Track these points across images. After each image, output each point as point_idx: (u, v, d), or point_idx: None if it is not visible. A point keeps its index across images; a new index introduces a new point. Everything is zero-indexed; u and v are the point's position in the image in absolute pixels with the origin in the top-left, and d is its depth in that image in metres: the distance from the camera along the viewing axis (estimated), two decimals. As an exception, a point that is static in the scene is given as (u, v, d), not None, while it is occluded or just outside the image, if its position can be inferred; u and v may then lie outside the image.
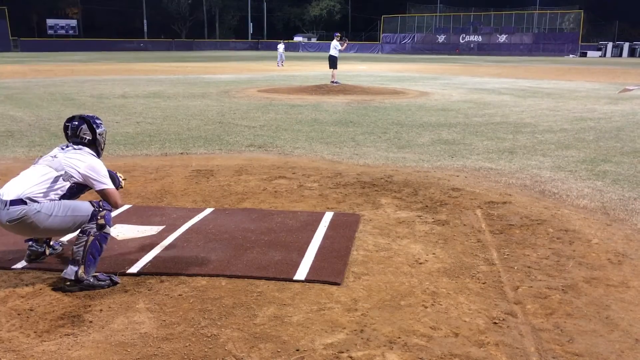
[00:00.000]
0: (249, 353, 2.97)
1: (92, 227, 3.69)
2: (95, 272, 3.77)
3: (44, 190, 3.65)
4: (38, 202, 3.59)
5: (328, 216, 5.29)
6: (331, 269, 4.03)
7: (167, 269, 4.01)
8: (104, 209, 3.75)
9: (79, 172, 3.75)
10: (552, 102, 15.71)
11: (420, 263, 4.22)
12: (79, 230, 3.73)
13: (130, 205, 5.61)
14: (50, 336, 3.13)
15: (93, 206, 3.74)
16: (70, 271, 3.66)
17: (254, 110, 13.42)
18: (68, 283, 3.67)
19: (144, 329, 3.20)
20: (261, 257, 4.25)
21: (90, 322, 3.29)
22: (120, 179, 4.24)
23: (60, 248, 4.34)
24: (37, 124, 11.08)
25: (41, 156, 3.95)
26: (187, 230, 4.87)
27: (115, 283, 3.78)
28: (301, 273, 3.96)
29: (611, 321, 3.37)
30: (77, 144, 3.91)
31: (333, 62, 20.75)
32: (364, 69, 33.22)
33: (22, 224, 3.59)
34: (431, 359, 2.93)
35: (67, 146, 3.90)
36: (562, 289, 3.78)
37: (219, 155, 8.35)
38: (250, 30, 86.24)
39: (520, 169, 7.53)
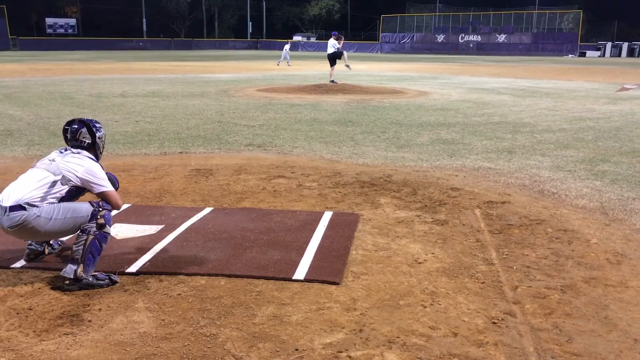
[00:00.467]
0: (248, 352, 2.97)
1: (92, 227, 3.69)
2: (95, 272, 3.77)
3: (42, 194, 3.65)
4: (37, 207, 3.60)
5: (327, 216, 5.29)
6: (330, 269, 4.03)
7: (166, 269, 4.01)
8: (103, 209, 3.76)
9: (77, 176, 3.75)
10: (551, 102, 15.72)
11: (419, 263, 4.22)
12: (79, 230, 3.74)
13: (129, 205, 5.61)
14: (49, 335, 3.13)
15: (92, 206, 3.75)
16: (69, 270, 3.66)
17: (253, 110, 13.42)
18: (67, 282, 3.67)
19: (143, 329, 3.20)
20: (260, 257, 4.25)
21: (89, 321, 3.29)
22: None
23: (59, 247, 4.34)
24: (36, 123, 11.07)
25: (39, 159, 3.95)
26: (186, 229, 4.86)
27: (114, 282, 3.78)
28: (300, 273, 3.96)
29: (610, 321, 3.37)
30: (76, 147, 3.91)
31: (333, 60, 20.73)
32: (363, 69, 33.21)
33: (23, 229, 3.60)
34: (430, 359, 2.93)
35: (66, 150, 3.90)
36: (561, 289, 3.79)
37: (218, 154, 8.35)
38: (250, 30, 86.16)
39: (519, 168, 7.54)
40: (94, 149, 3.98)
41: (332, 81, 19.51)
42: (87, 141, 3.93)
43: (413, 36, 73.58)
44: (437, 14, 74.29)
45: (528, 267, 4.16)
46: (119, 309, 3.44)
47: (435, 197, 6.00)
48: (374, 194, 6.12)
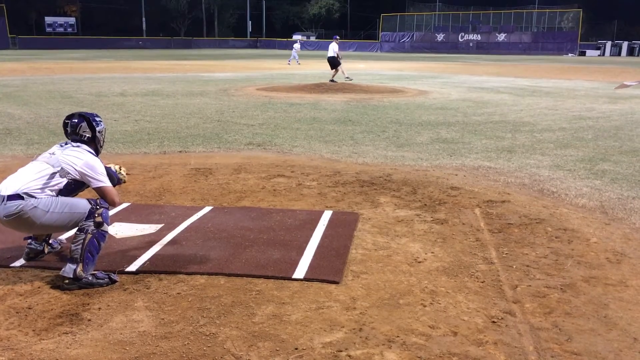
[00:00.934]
0: (247, 352, 2.97)
1: (90, 225, 3.69)
2: (94, 271, 3.77)
3: (41, 185, 3.67)
4: (35, 198, 3.60)
5: (327, 215, 5.29)
6: (330, 268, 4.03)
7: (166, 268, 4.00)
8: (101, 207, 3.75)
9: (75, 169, 3.75)
10: (551, 101, 15.72)
11: (419, 262, 4.22)
12: (77, 228, 3.73)
13: (129, 204, 5.61)
14: (49, 334, 3.13)
15: (90, 204, 3.75)
16: (68, 269, 3.66)
17: (252, 109, 13.41)
18: (67, 281, 3.67)
19: (142, 328, 3.20)
20: (260, 256, 4.24)
21: (89, 320, 3.29)
22: (123, 173, 4.24)
23: (59, 246, 4.34)
24: (35, 122, 11.06)
25: (40, 153, 3.95)
26: (185, 228, 4.86)
27: (113, 281, 3.78)
28: (300, 272, 3.95)
29: (610, 320, 3.37)
30: (77, 141, 3.91)
31: (332, 65, 20.71)
32: (363, 68, 33.19)
33: (19, 219, 3.60)
34: (430, 358, 2.93)
35: (66, 143, 3.90)
36: (561, 288, 3.79)
37: (218, 153, 8.35)
38: (249, 29, 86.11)
39: (519, 167, 7.54)
40: (94, 143, 3.98)
41: (332, 80, 19.48)
42: (87, 135, 3.93)
43: (413, 35, 73.55)
44: (437, 13, 74.25)
45: (528, 266, 4.16)
46: (119, 308, 3.44)
47: (435, 196, 6.00)
48: (374, 193, 6.12)
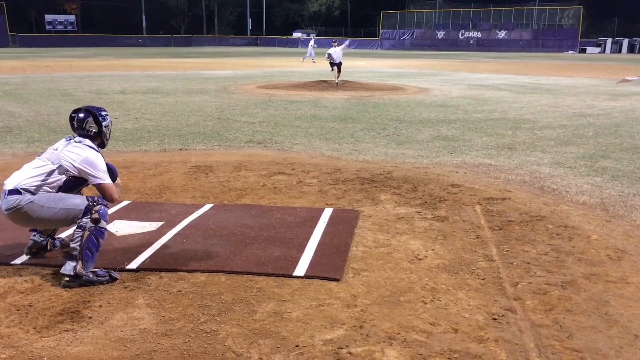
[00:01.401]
0: (248, 349, 2.97)
1: (87, 222, 3.71)
2: (94, 268, 3.77)
3: (39, 182, 3.72)
4: (32, 193, 3.65)
5: (327, 212, 5.29)
6: (330, 265, 4.03)
7: (167, 265, 4.00)
8: (98, 204, 3.76)
9: (74, 166, 3.77)
10: (551, 98, 15.70)
11: (420, 259, 4.22)
12: (76, 225, 3.74)
13: (129, 201, 5.61)
14: (50, 332, 3.13)
15: (87, 200, 3.76)
16: (68, 267, 3.67)
17: (252, 106, 13.41)
18: (67, 279, 3.68)
19: (143, 325, 3.20)
20: (260, 253, 4.24)
21: (90, 318, 3.29)
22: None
23: (60, 245, 4.34)
24: (35, 120, 11.06)
25: (47, 148, 3.97)
26: (186, 226, 4.86)
27: (114, 279, 3.78)
28: (300, 269, 3.96)
29: (610, 317, 3.37)
30: (83, 136, 3.93)
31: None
32: (363, 65, 33.17)
33: (17, 213, 3.69)
34: (430, 355, 2.93)
35: (72, 138, 3.93)
36: (562, 285, 3.79)
37: (218, 151, 8.34)
38: (249, 26, 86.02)
39: (520, 165, 7.53)
40: (100, 138, 4.02)
41: (337, 83, 19.14)
42: (94, 130, 3.95)
43: (413, 32, 73.47)
44: (437, 10, 74.15)
45: (528, 263, 4.16)
46: (119, 305, 3.44)
47: (435, 194, 6.00)
48: (374, 191, 6.11)
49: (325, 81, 19.08)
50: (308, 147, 8.65)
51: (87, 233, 3.69)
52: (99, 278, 3.74)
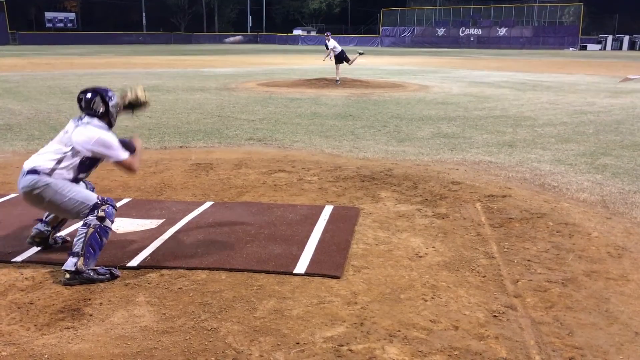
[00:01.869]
0: (249, 346, 2.97)
1: (93, 219, 3.74)
2: (95, 266, 3.77)
3: (54, 164, 3.80)
4: (49, 176, 3.77)
5: (328, 210, 5.29)
6: (331, 263, 4.03)
7: (167, 263, 4.01)
8: (107, 203, 3.81)
9: (85, 149, 3.84)
10: (552, 96, 15.69)
11: (420, 256, 4.22)
12: (81, 222, 3.77)
13: (130, 199, 5.61)
14: (51, 330, 3.13)
15: (97, 199, 3.82)
16: (70, 263, 3.68)
17: (253, 104, 13.40)
18: (68, 276, 3.68)
19: (144, 323, 3.20)
20: (261, 251, 4.25)
21: (90, 315, 3.29)
22: (142, 95, 4.29)
23: (61, 242, 4.34)
24: (36, 118, 11.05)
25: (60, 131, 4.06)
26: (186, 223, 4.86)
27: (115, 276, 3.78)
28: (301, 266, 3.96)
29: (611, 314, 3.37)
30: (90, 115, 3.99)
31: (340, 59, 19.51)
32: (363, 62, 33.12)
33: (30, 194, 3.78)
34: (431, 352, 2.94)
35: (80, 118, 3.98)
36: (562, 282, 3.79)
37: (219, 148, 8.34)
38: (250, 24, 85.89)
39: (520, 162, 7.53)
40: (107, 117, 4.05)
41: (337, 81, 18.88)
42: (101, 110, 4.00)
43: (413, 30, 73.36)
44: (438, 7, 73.98)
45: (529, 260, 4.16)
46: (120, 303, 3.45)
47: (436, 191, 6.00)
48: (375, 188, 6.11)
49: (325, 79, 19.04)
50: (308, 144, 8.65)
51: (91, 230, 3.72)
52: (99, 276, 3.74)
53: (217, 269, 3.92)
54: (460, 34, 69.96)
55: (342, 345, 2.98)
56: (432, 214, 5.25)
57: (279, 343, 3.00)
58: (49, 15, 70.15)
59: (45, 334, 3.08)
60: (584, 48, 63.66)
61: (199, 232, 4.64)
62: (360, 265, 4.03)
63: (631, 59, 40.85)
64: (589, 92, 16.88)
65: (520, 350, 2.97)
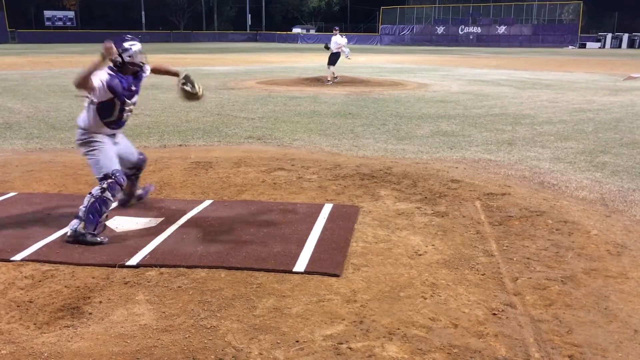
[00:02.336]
0: (248, 344, 2.97)
1: (96, 190, 4.31)
2: (94, 232, 4.29)
3: (84, 117, 4.44)
4: (85, 130, 4.43)
5: (327, 208, 5.29)
6: (330, 261, 4.03)
7: (167, 261, 4.01)
8: (113, 178, 4.34)
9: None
10: (551, 94, 15.69)
11: (420, 254, 4.22)
12: (89, 192, 4.39)
13: (129, 197, 5.61)
14: (50, 328, 3.13)
15: (110, 170, 4.36)
16: (73, 222, 4.28)
17: (252, 102, 13.39)
18: (68, 234, 4.28)
19: (143, 321, 3.21)
20: (260, 249, 4.25)
21: (90, 314, 3.29)
22: (197, 88, 4.99)
23: (144, 194, 5.27)
24: (35, 116, 11.04)
25: None
26: (186, 222, 4.86)
27: (101, 243, 4.26)
28: (300, 265, 3.96)
29: (610, 312, 3.38)
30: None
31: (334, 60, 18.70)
32: (363, 61, 33.12)
33: (78, 147, 4.54)
34: (430, 350, 2.94)
35: None
36: (561, 280, 3.79)
37: (218, 147, 8.34)
38: (249, 22, 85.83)
39: (520, 160, 7.53)
40: (127, 67, 4.49)
41: (329, 81, 18.29)
42: (118, 60, 4.44)
43: (413, 28, 73.30)
44: (437, 5, 73.92)
45: (528, 258, 4.16)
46: (120, 301, 3.45)
47: (435, 189, 6.00)
48: (374, 186, 6.11)
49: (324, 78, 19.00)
50: (308, 142, 8.65)
51: (93, 199, 4.28)
52: (93, 238, 4.25)
53: (217, 267, 3.93)
54: (460, 32, 69.91)
55: (342, 343, 2.98)
56: (432, 212, 5.25)
57: (279, 341, 3.01)
58: (48, 13, 70.05)
59: (44, 333, 3.08)
60: (583, 46, 63.63)
61: (199, 231, 4.64)
62: (360, 264, 4.04)
63: (630, 57, 40.85)
64: (588, 90, 16.88)
65: (519, 348, 2.97)
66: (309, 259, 4.05)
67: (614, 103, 13.70)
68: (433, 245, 4.42)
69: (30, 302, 3.44)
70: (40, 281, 3.72)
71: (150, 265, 3.95)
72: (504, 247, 4.38)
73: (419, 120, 10.86)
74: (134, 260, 4.01)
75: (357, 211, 5.22)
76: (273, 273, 3.85)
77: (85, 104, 4.41)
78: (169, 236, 4.51)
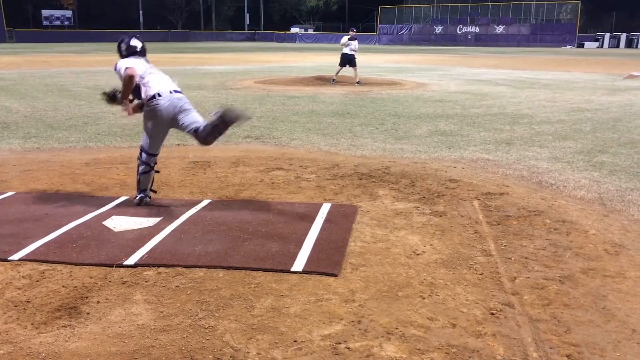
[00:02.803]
0: (246, 344, 2.97)
1: (138, 161, 5.30)
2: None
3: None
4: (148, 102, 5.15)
5: (325, 207, 5.28)
6: (329, 260, 4.03)
7: (165, 261, 4.00)
8: (142, 152, 5.29)
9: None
10: (549, 93, 15.70)
11: (418, 254, 4.22)
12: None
13: (127, 197, 5.60)
14: (47, 328, 3.12)
15: (143, 148, 5.26)
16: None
17: (250, 102, 13.38)
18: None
19: (141, 321, 3.20)
20: (259, 249, 4.24)
21: (88, 313, 3.29)
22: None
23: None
24: (32, 116, 11.02)
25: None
26: (184, 221, 4.86)
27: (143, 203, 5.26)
28: (299, 264, 3.95)
29: (608, 311, 3.38)
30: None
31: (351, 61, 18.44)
32: (361, 60, 33.08)
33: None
34: (428, 350, 2.94)
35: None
36: (559, 280, 3.79)
37: (216, 146, 8.29)
38: (247, 21, 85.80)
39: (518, 160, 7.54)
40: (139, 54, 5.44)
41: (359, 82, 18.13)
42: (124, 54, 5.34)
43: (411, 27, 73.34)
44: (435, 5, 73.97)
45: (526, 258, 4.16)
46: (117, 301, 3.44)
47: (433, 189, 6.00)
48: (372, 186, 6.11)
49: (323, 77, 18.98)
50: (306, 142, 8.65)
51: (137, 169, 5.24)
52: (136, 200, 5.30)
53: (215, 267, 3.92)
54: (458, 32, 69.97)
55: (340, 343, 2.98)
56: (430, 211, 5.25)
57: (277, 341, 3.00)
58: (45, 12, 69.96)
59: (42, 333, 3.08)
60: (581, 46, 63.74)
61: (197, 230, 4.63)
62: (358, 263, 4.03)
63: (628, 57, 40.92)
64: (587, 89, 16.90)
65: (517, 348, 2.97)
66: (307, 259, 4.05)
67: (612, 103, 13.72)
68: (431, 244, 4.42)
69: (28, 301, 3.43)
70: (37, 281, 3.71)
71: (148, 265, 3.94)
72: (502, 247, 4.38)
73: (417, 120, 10.86)
74: (131, 260, 4.01)
75: (356, 211, 5.22)
76: (271, 273, 3.84)
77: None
78: (167, 236, 4.50)
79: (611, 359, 2.91)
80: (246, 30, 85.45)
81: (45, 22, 69.39)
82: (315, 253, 4.16)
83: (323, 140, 8.81)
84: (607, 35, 66.68)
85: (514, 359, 2.88)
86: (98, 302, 3.43)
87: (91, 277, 3.77)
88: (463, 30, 70.02)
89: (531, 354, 2.92)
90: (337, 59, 19.62)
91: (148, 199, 5.33)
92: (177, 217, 4.94)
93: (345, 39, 18.66)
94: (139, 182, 5.32)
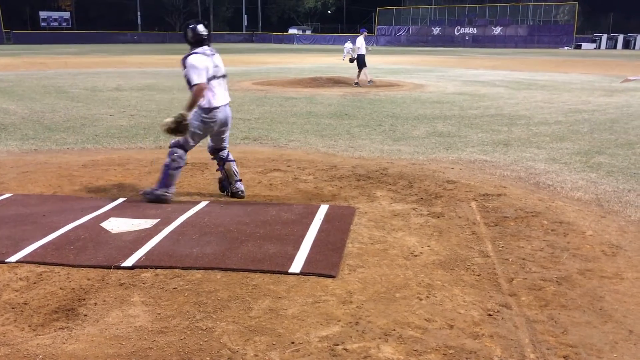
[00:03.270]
0: (244, 346, 2.97)
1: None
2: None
3: None
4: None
5: (323, 209, 5.29)
6: (326, 262, 4.03)
7: (162, 262, 4.00)
8: (174, 145, 5.48)
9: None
10: (546, 95, 15.73)
11: (415, 255, 4.22)
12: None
13: (125, 199, 5.60)
14: (45, 330, 3.12)
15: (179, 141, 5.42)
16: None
17: (248, 103, 13.38)
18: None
19: (138, 323, 3.20)
20: (256, 250, 4.24)
21: (85, 315, 3.28)
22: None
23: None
24: (30, 117, 11.01)
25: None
26: (182, 223, 4.85)
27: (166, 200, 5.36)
28: (296, 266, 3.95)
29: (605, 312, 3.38)
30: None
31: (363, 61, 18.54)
32: (359, 62, 33.10)
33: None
34: (426, 351, 2.94)
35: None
36: (557, 281, 3.80)
37: (214, 148, 8.30)
38: (245, 23, 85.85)
39: (515, 161, 7.55)
40: (201, 43, 5.30)
41: (357, 83, 18.16)
42: (191, 40, 5.31)
43: (409, 29, 73.47)
44: (433, 6, 74.13)
45: (524, 259, 4.17)
46: (115, 303, 3.44)
47: (431, 190, 6.00)
48: (370, 187, 6.11)
49: (320, 78, 19.00)
50: (304, 143, 8.65)
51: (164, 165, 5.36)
52: (163, 195, 5.38)
53: (212, 268, 3.92)
54: (456, 33, 70.10)
55: (337, 345, 2.98)
56: (428, 212, 5.25)
57: (274, 342, 3.00)
58: (43, 14, 69.95)
59: (39, 335, 3.07)
60: (578, 47, 63.89)
61: (194, 232, 4.63)
62: (356, 265, 4.04)
63: (625, 58, 41.01)
64: (584, 91, 16.94)
65: (514, 349, 2.98)
66: (305, 260, 4.05)
67: (609, 104, 13.75)
68: (429, 246, 4.42)
69: (25, 304, 3.42)
70: (35, 283, 3.70)
71: (146, 267, 3.94)
72: (500, 248, 4.38)
73: (415, 121, 10.88)
74: (129, 262, 4.00)
75: (353, 212, 5.22)
76: (269, 274, 3.84)
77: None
78: (164, 237, 4.50)
79: (608, 360, 2.92)
80: (244, 32, 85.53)
81: (42, 24, 69.37)
82: (312, 254, 4.16)
83: (321, 141, 8.82)
84: (605, 37, 66.84)
85: (511, 360, 2.89)
86: (95, 304, 3.43)
87: (89, 279, 3.76)
88: (461, 32, 70.15)
89: (528, 355, 2.92)
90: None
91: (169, 195, 5.41)
92: (175, 219, 4.94)
93: (361, 40, 18.64)
94: (166, 176, 5.39)
